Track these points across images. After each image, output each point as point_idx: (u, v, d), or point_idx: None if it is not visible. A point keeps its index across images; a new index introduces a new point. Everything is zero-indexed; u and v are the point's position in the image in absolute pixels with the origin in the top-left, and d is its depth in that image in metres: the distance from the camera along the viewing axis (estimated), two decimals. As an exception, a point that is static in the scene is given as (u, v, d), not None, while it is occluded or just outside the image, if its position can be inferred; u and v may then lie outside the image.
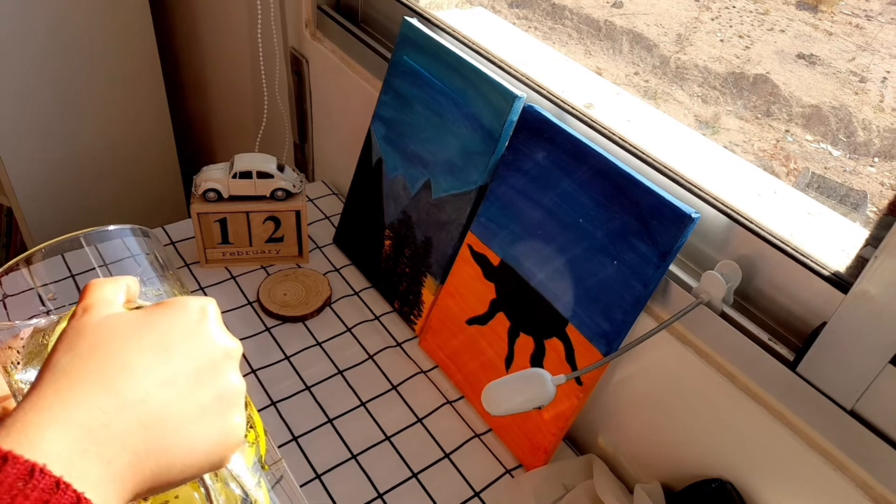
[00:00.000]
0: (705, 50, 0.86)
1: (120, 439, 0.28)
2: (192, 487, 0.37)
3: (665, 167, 0.67)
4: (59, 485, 0.25)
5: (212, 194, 0.89)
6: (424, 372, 0.84)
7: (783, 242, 0.58)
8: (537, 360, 0.72)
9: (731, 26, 0.84)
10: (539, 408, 0.62)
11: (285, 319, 0.89)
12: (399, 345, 0.87)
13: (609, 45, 0.95)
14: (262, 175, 0.89)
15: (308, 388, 0.81)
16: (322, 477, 0.72)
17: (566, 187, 0.68)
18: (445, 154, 0.81)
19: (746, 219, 0.60)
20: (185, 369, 0.32)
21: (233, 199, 0.90)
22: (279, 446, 0.74)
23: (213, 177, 0.89)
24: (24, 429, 0.26)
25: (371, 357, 0.85)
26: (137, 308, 0.35)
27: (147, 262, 0.44)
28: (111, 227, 0.42)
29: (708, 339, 0.62)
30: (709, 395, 0.63)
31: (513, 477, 0.74)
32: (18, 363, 0.40)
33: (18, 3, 1.27)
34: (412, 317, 0.88)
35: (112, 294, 0.34)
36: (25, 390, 0.32)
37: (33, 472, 0.24)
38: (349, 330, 0.88)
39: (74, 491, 0.25)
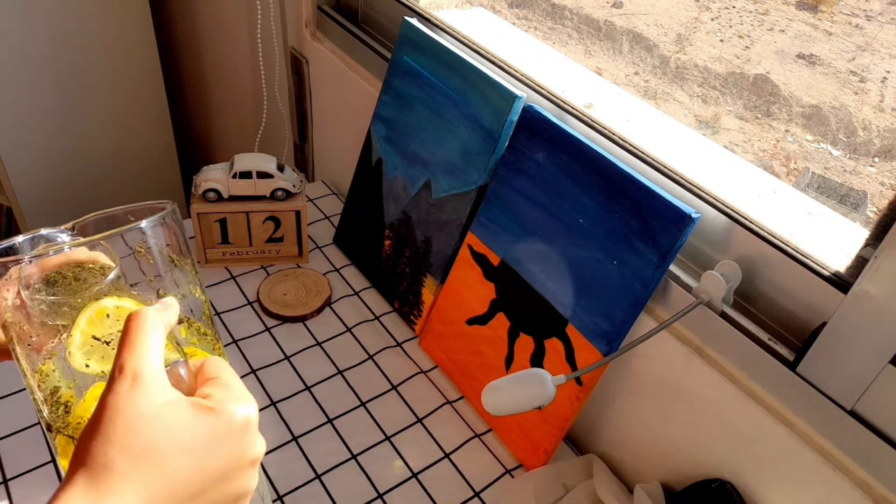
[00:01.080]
0: (705, 50, 0.86)
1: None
2: None
3: (665, 167, 0.67)
4: None
5: (212, 194, 0.89)
6: (424, 372, 0.84)
7: (783, 242, 0.58)
8: (537, 361, 0.72)
9: (731, 26, 0.84)
10: (539, 408, 0.62)
11: (285, 319, 0.89)
12: (399, 345, 0.87)
13: (609, 45, 0.95)
14: (262, 175, 0.89)
15: (308, 388, 0.81)
16: (322, 477, 0.72)
17: (566, 187, 0.68)
18: (445, 154, 0.81)
19: (746, 219, 0.60)
20: (215, 477, 0.34)
21: (233, 199, 0.90)
22: (279, 446, 0.74)
23: (212, 177, 0.89)
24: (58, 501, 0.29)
25: (371, 357, 0.85)
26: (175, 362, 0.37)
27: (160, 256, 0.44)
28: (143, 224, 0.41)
29: (708, 339, 0.62)
30: (709, 394, 0.63)
31: (513, 477, 0.74)
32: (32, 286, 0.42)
33: (19, 4, 1.27)
34: (412, 317, 0.88)
35: (156, 359, 0.34)
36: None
37: None
38: (349, 330, 0.88)
39: None
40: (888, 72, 0.71)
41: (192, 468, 0.32)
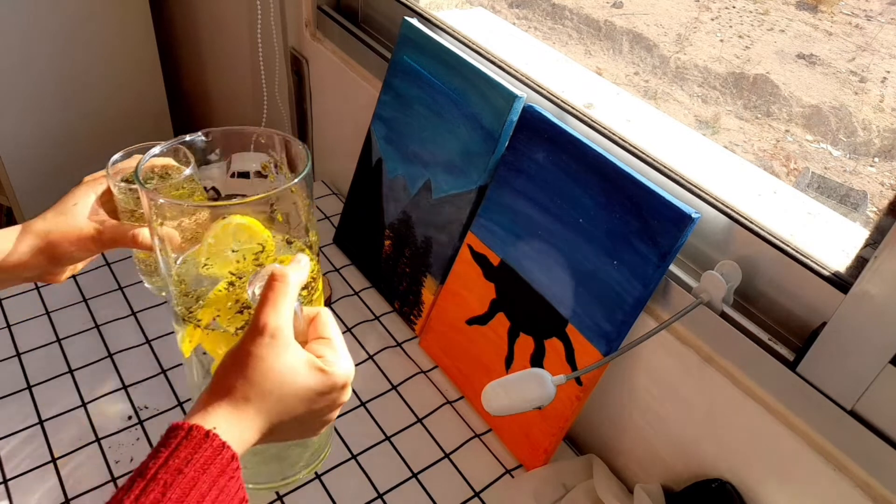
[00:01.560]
0: (705, 50, 0.86)
1: (256, 430, 0.43)
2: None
3: (665, 167, 0.67)
4: (223, 447, 0.40)
5: (210, 193, 0.89)
6: (424, 372, 0.84)
7: (783, 242, 0.58)
8: (537, 361, 0.72)
9: (730, 26, 0.84)
10: (539, 408, 0.62)
11: (285, 319, 0.89)
12: (399, 345, 0.87)
13: (609, 46, 0.95)
14: (261, 175, 0.89)
15: (308, 388, 0.81)
16: (322, 477, 0.72)
17: (566, 187, 0.68)
18: (445, 154, 0.81)
19: (746, 219, 0.60)
20: (315, 416, 0.46)
21: (231, 198, 0.90)
22: (279, 446, 0.74)
23: (210, 176, 0.89)
24: (205, 416, 0.41)
25: (371, 357, 0.85)
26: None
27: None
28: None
29: (708, 339, 0.62)
30: (709, 395, 0.63)
31: (513, 477, 0.74)
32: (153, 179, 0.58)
33: (19, 5, 1.27)
34: (412, 317, 0.88)
35: (289, 318, 0.45)
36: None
37: (208, 434, 0.40)
38: (349, 330, 0.88)
39: (222, 441, 0.40)
40: (888, 72, 0.71)
41: (303, 408, 0.45)
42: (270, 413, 0.43)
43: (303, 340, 0.47)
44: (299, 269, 0.47)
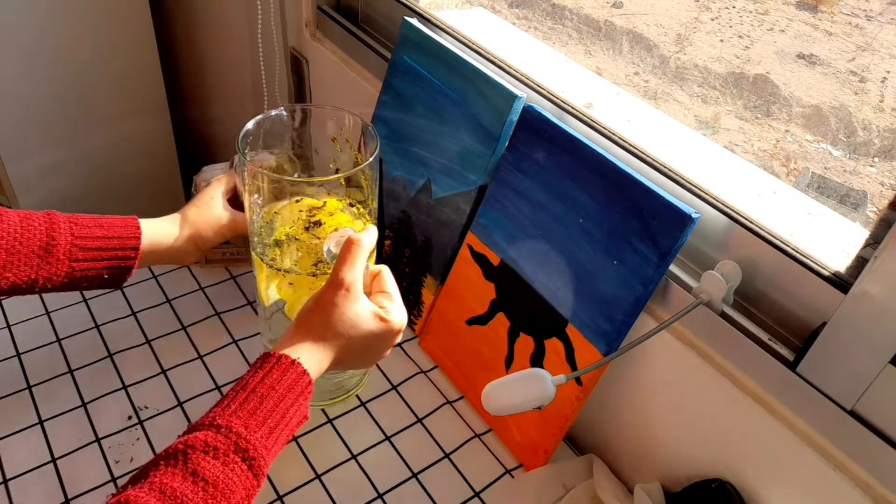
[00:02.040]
0: (705, 50, 0.86)
1: (329, 361, 0.56)
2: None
3: (665, 167, 0.66)
4: (304, 373, 0.53)
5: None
6: (424, 372, 0.84)
7: (783, 242, 0.58)
8: (537, 361, 0.72)
9: (730, 26, 0.84)
10: (539, 408, 0.62)
11: (285, 319, 0.89)
12: (399, 345, 0.87)
13: (609, 46, 0.95)
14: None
15: (308, 388, 0.81)
16: (322, 477, 0.72)
17: (566, 187, 0.68)
18: (445, 154, 0.81)
19: (746, 219, 0.60)
20: (373, 352, 0.60)
21: (233, 199, 0.90)
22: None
23: (212, 176, 0.89)
24: (292, 348, 0.54)
25: (371, 357, 0.85)
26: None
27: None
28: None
29: (708, 339, 0.62)
30: (709, 395, 0.63)
31: (513, 477, 0.74)
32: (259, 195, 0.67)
33: (18, 4, 1.27)
34: (412, 317, 0.88)
35: (361, 274, 0.57)
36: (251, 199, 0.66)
37: (294, 362, 0.52)
38: (349, 330, 0.88)
39: (304, 368, 0.53)
40: (888, 72, 0.71)
41: (366, 345, 0.58)
42: (340, 349, 0.55)
43: (367, 291, 0.59)
44: (370, 235, 0.59)
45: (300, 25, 1.08)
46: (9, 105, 1.34)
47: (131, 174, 1.59)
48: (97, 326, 0.85)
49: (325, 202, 0.66)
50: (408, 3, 0.92)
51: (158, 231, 0.71)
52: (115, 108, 1.49)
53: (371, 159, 0.62)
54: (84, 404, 0.76)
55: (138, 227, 0.69)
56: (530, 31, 1.02)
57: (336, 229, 0.63)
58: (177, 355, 0.83)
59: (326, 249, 0.59)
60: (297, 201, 0.66)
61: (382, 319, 0.57)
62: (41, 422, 0.74)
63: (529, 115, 0.71)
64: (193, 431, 0.48)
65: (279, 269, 0.65)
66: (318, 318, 0.55)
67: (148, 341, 0.84)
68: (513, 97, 0.72)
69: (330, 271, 0.60)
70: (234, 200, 0.79)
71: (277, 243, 0.66)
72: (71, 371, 0.80)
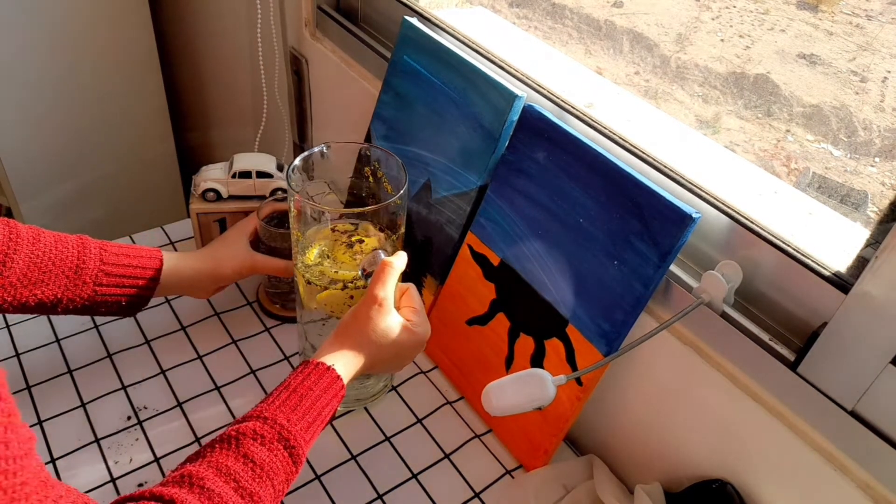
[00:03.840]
0: (706, 49, 0.85)
1: (361, 365, 0.62)
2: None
3: (665, 167, 0.66)
4: (338, 378, 0.59)
5: (211, 194, 0.89)
6: (424, 372, 0.84)
7: (784, 243, 0.58)
8: (537, 361, 0.72)
9: (731, 26, 0.84)
10: (539, 408, 0.62)
11: (285, 320, 0.89)
12: (399, 345, 0.87)
13: (609, 45, 0.95)
14: (262, 175, 0.89)
15: (308, 388, 0.80)
16: (322, 477, 0.72)
17: (566, 187, 0.68)
18: (445, 154, 0.81)
19: (747, 219, 0.60)
20: (399, 359, 0.66)
21: (232, 198, 0.90)
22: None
23: (212, 176, 0.89)
24: (329, 356, 0.60)
25: (371, 357, 0.85)
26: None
27: None
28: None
29: (708, 339, 0.62)
30: (709, 395, 0.63)
31: (513, 477, 0.74)
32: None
33: (18, 4, 1.27)
34: (412, 317, 0.88)
35: (392, 291, 0.64)
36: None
37: (329, 368, 0.59)
38: (349, 330, 0.88)
39: (338, 374, 0.59)
40: (889, 71, 0.71)
41: (394, 353, 0.64)
42: (372, 356, 0.62)
43: (397, 306, 0.65)
44: (401, 259, 0.65)
45: (300, 25, 1.08)
46: (9, 105, 1.34)
47: (131, 173, 1.59)
48: (96, 327, 0.85)
49: (358, 225, 0.74)
50: (408, 3, 0.92)
51: (180, 264, 0.75)
52: (115, 108, 1.49)
53: (402, 191, 0.69)
54: (83, 404, 0.76)
55: (160, 259, 0.73)
56: (530, 30, 1.02)
57: (370, 251, 0.70)
58: (176, 355, 0.83)
59: (361, 269, 0.67)
60: (334, 229, 0.73)
61: (410, 331, 0.64)
62: (40, 422, 0.74)
63: (530, 114, 0.71)
64: (243, 422, 0.54)
65: (317, 285, 0.71)
66: (355, 328, 0.62)
67: (147, 341, 0.84)
68: (513, 97, 0.72)
69: (362, 284, 0.69)
70: (254, 243, 0.83)
71: (316, 262, 0.72)
72: (70, 371, 0.80)
